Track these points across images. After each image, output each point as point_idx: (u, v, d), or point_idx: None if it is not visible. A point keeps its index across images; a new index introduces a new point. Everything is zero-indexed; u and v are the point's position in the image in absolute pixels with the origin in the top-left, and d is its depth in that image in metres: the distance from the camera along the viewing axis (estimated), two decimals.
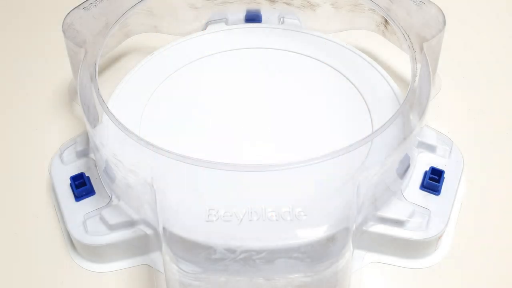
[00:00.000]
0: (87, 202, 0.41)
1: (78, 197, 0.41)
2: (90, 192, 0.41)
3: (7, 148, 0.47)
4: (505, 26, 0.56)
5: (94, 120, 0.40)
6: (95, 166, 0.42)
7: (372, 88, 0.45)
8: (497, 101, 0.49)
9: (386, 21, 0.48)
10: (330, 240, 0.35)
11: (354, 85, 0.46)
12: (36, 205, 0.43)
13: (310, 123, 0.43)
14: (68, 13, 0.45)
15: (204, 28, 0.51)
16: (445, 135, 0.43)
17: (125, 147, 0.37)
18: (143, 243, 0.39)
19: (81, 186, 0.41)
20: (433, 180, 0.41)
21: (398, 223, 0.39)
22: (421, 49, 0.42)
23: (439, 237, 0.39)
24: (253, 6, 0.51)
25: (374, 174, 0.37)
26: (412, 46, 0.42)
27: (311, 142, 0.42)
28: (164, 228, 0.35)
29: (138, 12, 0.48)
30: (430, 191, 0.41)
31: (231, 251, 0.34)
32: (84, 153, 0.43)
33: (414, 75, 0.41)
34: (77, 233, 0.39)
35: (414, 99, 0.40)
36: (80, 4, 0.45)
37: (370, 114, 0.44)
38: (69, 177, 0.41)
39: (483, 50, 0.54)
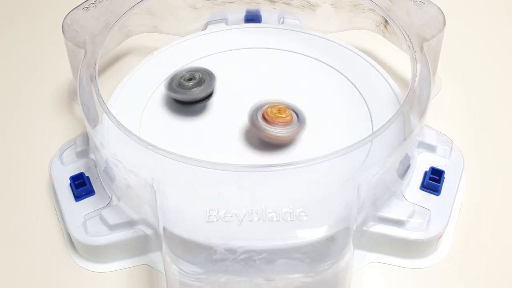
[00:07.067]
0: (87, 202, 0.41)
1: (78, 197, 0.41)
2: (90, 192, 0.41)
3: (7, 148, 0.47)
4: (505, 26, 0.56)
5: (94, 121, 0.40)
6: (95, 166, 0.42)
7: (372, 88, 0.45)
8: (497, 101, 0.49)
9: (386, 21, 0.48)
10: (330, 240, 0.35)
11: (354, 85, 0.46)
12: (36, 205, 0.43)
13: (311, 123, 0.43)
14: (68, 14, 0.45)
15: (204, 28, 0.51)
16: (445, 135, 0.43)
17: (125, 147, 0.37)
18: (143, 243, 0.39)
19: (81, 186, 0.41)
20: (433, 180, 0.41)
21: (399, 223, 0.39)
22: (421, 49, 0.42)
23: (439, 237, 0.40)
24: (253, 6, 0.51)
25: (374, 174, 0.37)
26: (412, 46, 0.42)
27: (312, 142, 0.42)
28: (164, 229, 0.35)
29: (138, 12, 0.48)
30: (430, 191, 0.41)
31: (232, 251, 0.34)
32: (84, 154, 0.43)
33: (414, 75, 0.41)
34: (77, 233, 0.39)
35: (414, 99, 0.40)
36: (80, 5, 0.45)
37: (370, 114, 0.44)
38: (68, 177, 0.41)
39: (483, 50, 0.54)
